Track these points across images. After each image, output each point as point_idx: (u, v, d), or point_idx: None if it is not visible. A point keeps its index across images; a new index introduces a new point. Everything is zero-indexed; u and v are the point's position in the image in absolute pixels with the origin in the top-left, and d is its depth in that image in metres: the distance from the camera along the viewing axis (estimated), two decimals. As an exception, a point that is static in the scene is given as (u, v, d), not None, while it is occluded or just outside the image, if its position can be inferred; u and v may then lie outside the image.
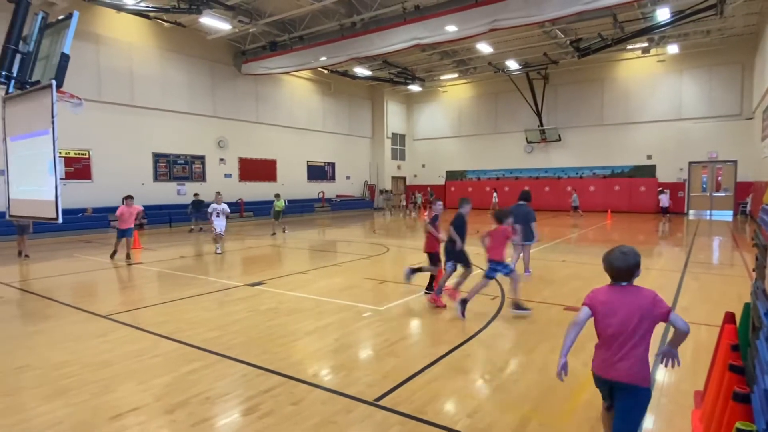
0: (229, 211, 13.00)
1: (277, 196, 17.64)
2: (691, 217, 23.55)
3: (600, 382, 2.70)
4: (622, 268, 2.67)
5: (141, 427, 3.48)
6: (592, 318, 2.67)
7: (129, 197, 11.84)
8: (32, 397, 4.00)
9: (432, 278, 7.44)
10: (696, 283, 8.37)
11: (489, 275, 6.35)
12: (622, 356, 2.53)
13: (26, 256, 11.91)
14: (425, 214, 27.72)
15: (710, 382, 3.32)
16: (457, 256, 6.87)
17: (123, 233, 11.40)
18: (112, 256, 11.54)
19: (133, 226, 11.50)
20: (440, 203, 7.62)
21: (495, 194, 29.00)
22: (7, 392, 4.11)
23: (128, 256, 11.26)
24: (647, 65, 25.65)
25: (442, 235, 7.21)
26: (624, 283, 2.69)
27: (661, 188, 23.50)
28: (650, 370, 2.60)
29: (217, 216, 12.58)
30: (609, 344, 2.59)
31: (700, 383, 3.96)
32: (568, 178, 28.48)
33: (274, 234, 17.00)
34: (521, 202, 8.98)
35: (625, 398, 2.57)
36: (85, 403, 3.87)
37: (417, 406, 3.74)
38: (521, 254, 9.22)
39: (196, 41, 21.62)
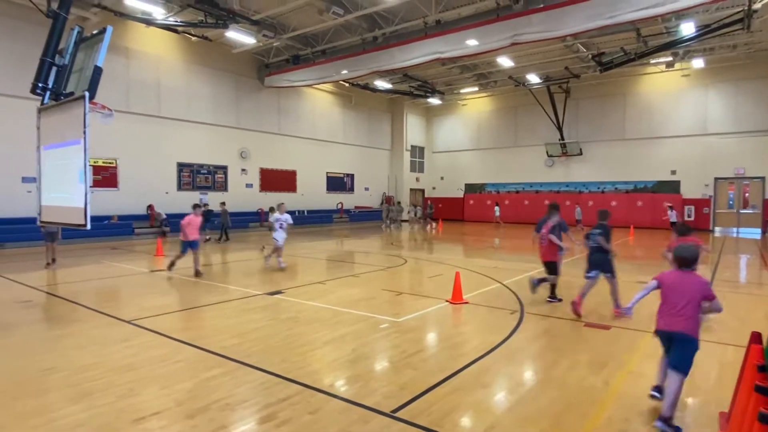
0: (291, 222, 11.73)
1: (272, 209, 15.47)
2: (716, 234, 22.97)
3: (663, 335, 3.86)
4: (688, 258, 3.89)
5: (162, 430, 3.54)
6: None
7: (197, 206, 10.92)
8: (58, 399, 4.11)
9: (554, 286, 8.03)
10: (722, 302, 8.14)
11: None
12: (680, 316, 3.70)
13: (53, 260, 11.69)
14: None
15: (736, 403, 3.24)
16: (609, 266, 7.19)
17: (189, 245, 10.38)
18: (170, 267, 10.64)
19: (198, 237, 10.56)
20: (559, 216, 8.14)
21: (497, 207, 28.93)
22: (34, 394, 4.23)
23: (197, 273, 10.39)
24: (671, 79, 25.31)
25: (566, 244, 8.12)
26: (687, 269, 3.88)
27: (670, 204, 23.35)
28: (698, 326, 3.77)
29: (281, 227, 11.38)
30: (671, 309, 3.76)
31: (725, 404, 3.86)
32: (590, 192, 28.11)
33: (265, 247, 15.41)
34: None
35: (681, 343, 3.72)
36: (109, 405, 3.96)
37: (434, 419, 3.73)
38: None
39: (221, 55, 22.17)
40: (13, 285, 9.45)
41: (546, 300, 7.98)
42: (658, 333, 3.88)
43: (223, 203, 18.82)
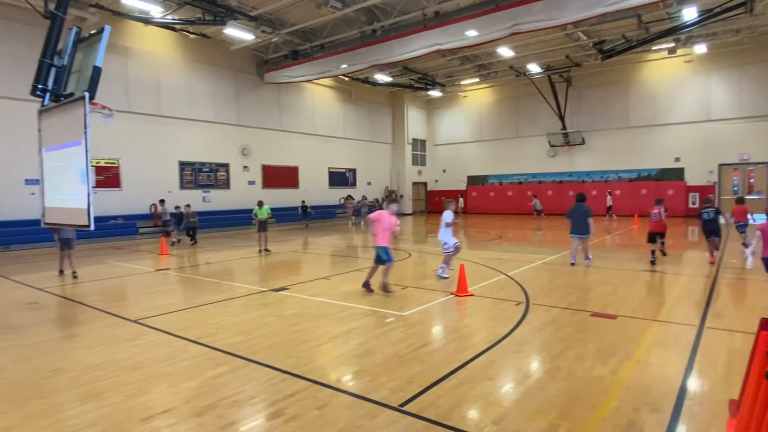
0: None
1: (260, 203, 14.89)
2: (721, 221, 22.82)
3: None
4: None
5: (172, 428, 3.56)
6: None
7: (393, 201, 8.50)
8: (68, 399, 4.13)
9: (663, 245, 11.43)
10: (729, 290, 8.12)
11: None
12: None
13: (73, 273, 10.32)
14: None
15: (746, 390, 3.22)
16: (720, 233, 10.93)
17: (381, 255, 7.98)
18: (367, 285, 8.18)
19: (388, 245, 8.01)
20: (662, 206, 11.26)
21: (461, 199, 28.88)
22: (45, 394, 4.25)
23: (385, 287, 7.97)
24: (674, 66, 25.08)
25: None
26: None
27: (609, 190, 25.92)
28: None
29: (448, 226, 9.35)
30: None
31: (734, 392, 3.84)
32: (593, 182, 27.99)
33: (262, 251, 14.22)
34: (580, 203, 11.02)
35: None
36: (118, 404, 3.98)
37: (442, 412, 3.73)
38: (579, 246, 10.97)
39: (220, 52, 22.09)
40: (20, 287, 9.49)
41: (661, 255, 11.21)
42: (764, 259, 6.63)
43: (188, 205, 17.08)
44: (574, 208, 10.95)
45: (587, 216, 10.59)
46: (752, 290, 8.12)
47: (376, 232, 7.99)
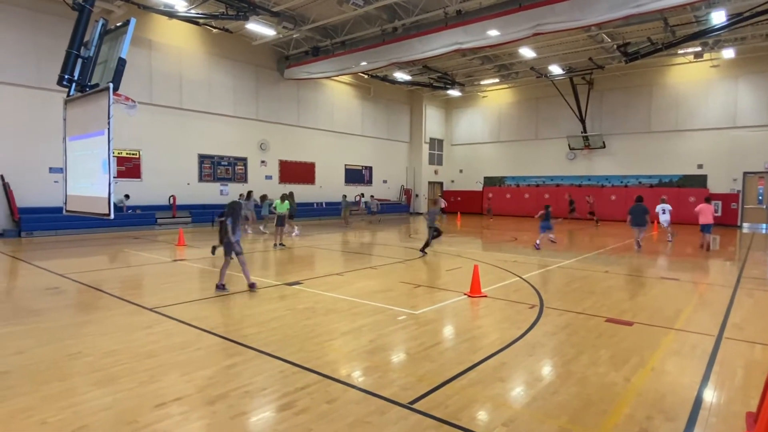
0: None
1: (283, 197, 14.81)
2: (745, 231, 22.32)
3: None
4: None
5: (183, 416, 3.61)
6: None
7: (708, 199, 14.83)
8: (83, 383, 4.22)
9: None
10: (750, 300, 7.92)
11: None
12: None
13: (252, 286, 8.08)
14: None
15: (764, 403, 3.14)
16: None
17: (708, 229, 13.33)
18: (708, 248, 14.01)
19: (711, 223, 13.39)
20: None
21: (489, 203, 30.00)
22: (61, 377, 4.35)
23: (708, 248, 13.52)
24: (699, 70, 24.55)
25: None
26: None
27: (444, 198, 27.97)
28: None
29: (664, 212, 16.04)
30: None
31: (752, 404, 3.76)
32: (612, 186, 27.58)
33: (277, 245, 14.07)
34: (639, 203, 13.86)
35: None
36: (132, 390, 4.05)
37: (451, 411, 3.72)
38: (638, 236, 14.04)
39: (241, 47, 22.31)
40: (42, 272, 9.73)
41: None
42: None
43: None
44: (634, 207, 13.78)
45: (645, 213, 13.65)
46: (774, 302, 7.92)
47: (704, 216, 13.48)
